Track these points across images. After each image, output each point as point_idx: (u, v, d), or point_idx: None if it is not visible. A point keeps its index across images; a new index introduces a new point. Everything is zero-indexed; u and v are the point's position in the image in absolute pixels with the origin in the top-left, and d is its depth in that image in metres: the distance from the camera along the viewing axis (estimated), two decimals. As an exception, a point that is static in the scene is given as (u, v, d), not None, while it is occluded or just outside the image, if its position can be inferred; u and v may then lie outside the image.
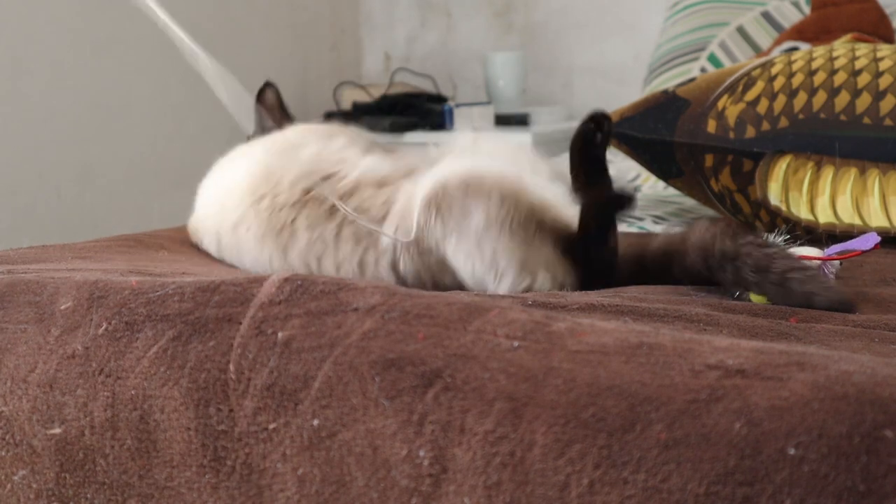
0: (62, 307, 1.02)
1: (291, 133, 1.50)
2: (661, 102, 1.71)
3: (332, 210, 1.33)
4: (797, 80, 1.61)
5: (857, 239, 1.22)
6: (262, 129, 1.63)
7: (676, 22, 2.61)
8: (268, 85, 1.64)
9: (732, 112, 1.62)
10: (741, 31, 2.46)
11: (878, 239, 1.21)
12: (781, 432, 0.75)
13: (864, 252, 1.19)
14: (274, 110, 1.64)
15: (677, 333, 0.89)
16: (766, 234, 1.20)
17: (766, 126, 1.59)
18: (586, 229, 1.25)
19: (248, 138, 1.63)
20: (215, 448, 0.92)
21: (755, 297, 1.14)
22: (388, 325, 0.90)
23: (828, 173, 1.54)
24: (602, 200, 1.25)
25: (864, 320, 1.07)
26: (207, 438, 0.92)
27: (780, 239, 1.18)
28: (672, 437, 0.77)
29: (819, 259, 1.18)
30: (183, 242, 1.56)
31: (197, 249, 1.52)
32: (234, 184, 1.43)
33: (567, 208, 1.30)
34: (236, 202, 1.41)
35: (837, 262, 1.20)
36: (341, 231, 1.32)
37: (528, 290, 1.23)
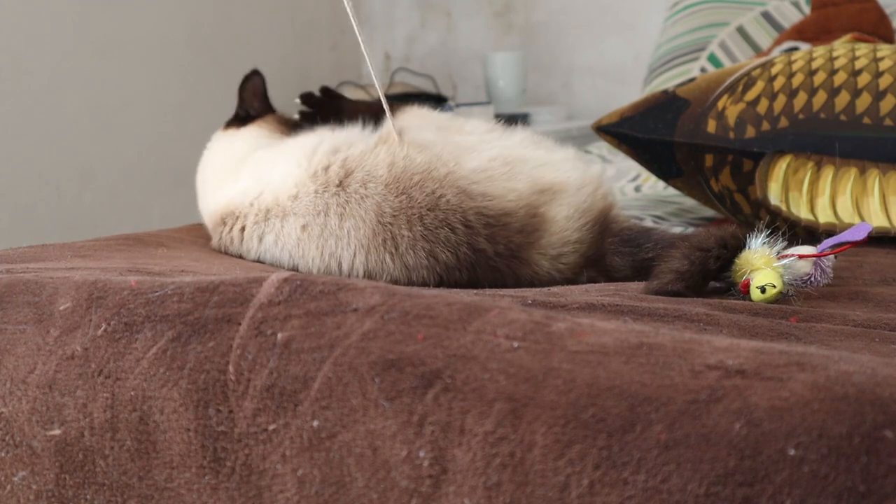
0: (61, 308, 1.02)
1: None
2: (661, 102, 1.71)
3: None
4: (797, 80, 1.61)
5: (849, 230, 1.21)
6: (245, 112, 1.64)
7: (676, 22, 2.60)
8: (255, 73, 1.65)
9: (732, 112, 1.61)
10: (741, 31, 2.46)
11: (870, 228, 1.20)
12: (781, 433, 0.75)
13: (857, 243, 1.19)
14: (257, 97, 1.65)
15: (677, 333, 0.89)
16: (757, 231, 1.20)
17: (766, 126, 1.58)
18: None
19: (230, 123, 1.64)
20: (215, 449, 0.92)
21: (755, 296, 1.14)
22: (387, 325, 0.90)
23: (828, 173, 1.53)
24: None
25: (865, 320, 1.07)
26: (207, 439, 0.92)
27: (779, 239, 1.18)
28: (672, 438, 0.77)
29: (814, 256, 1.18)
30: (182, 240, 1.56)
31: (198, 243, 1.53)
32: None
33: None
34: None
35: (832, 256, 1.20)
36: None
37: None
